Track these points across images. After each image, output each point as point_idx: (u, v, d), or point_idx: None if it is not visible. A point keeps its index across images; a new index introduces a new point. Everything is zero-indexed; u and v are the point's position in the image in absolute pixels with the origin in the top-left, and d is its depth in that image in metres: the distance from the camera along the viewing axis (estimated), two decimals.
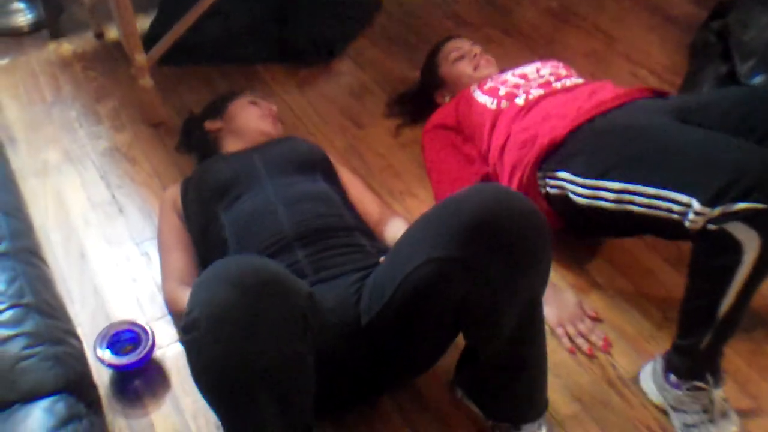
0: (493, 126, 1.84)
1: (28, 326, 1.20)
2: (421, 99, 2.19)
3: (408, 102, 2.23)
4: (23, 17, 2.71)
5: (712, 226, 1.27)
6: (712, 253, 1.30)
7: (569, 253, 1.76)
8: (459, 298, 1.17)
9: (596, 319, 1.62)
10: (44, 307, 1.26)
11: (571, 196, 1.55)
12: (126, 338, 1.55)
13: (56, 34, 2.67)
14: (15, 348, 1.17)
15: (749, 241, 1.24)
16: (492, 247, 1.12)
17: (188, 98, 2.32)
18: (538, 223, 1.15)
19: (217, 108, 1.93)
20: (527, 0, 2.83)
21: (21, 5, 2.72)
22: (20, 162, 2.09)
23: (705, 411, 1.36)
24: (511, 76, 1.92)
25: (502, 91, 1.86)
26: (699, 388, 1.36)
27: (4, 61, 2.57)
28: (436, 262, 1.14)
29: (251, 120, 1.86)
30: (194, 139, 1.97)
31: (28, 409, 1.11)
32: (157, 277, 1.71)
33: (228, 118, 1.88)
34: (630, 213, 1.43)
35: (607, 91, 1.73)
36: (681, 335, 1.38)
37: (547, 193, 1.64)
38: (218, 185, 1.63)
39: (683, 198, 1.32)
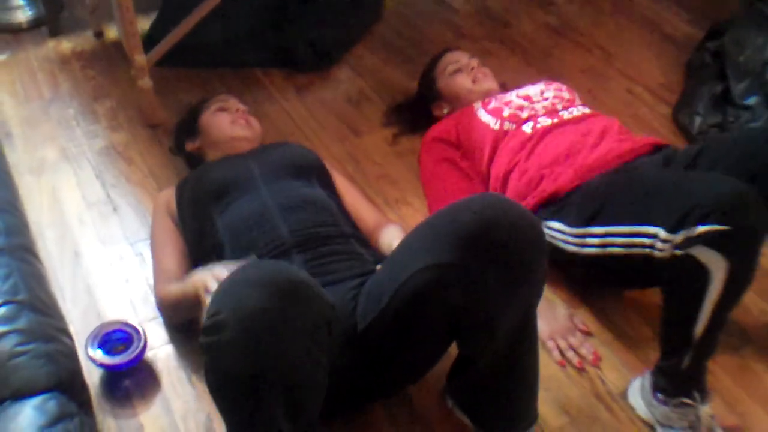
0: (494, 148, 1.85)
1: (21, 323, 1.20)
2: (418, 110, 2.20)
3: (405, 112, 2.24)
4: (23, 14, 2.71)
5: (678, 252, 1.28)
6: (680, 279, 1.33)
7: (561, 268, 1.76)
8: (455, 306, 1.18)
9: (587, 333, 1.63)
10: (38, 305, 1.26)
11: (561, 245, 1.60)
12: (117, 338, 1.55)
13: (56, 32, 2.67)
14: (7, 345, 1.17)
15: (715, 263, 1.26)
16: (489, 255, 1.13)
17: (186, 100, 2.31)
18: (535, 233, 1.17)
19: (190, 126, 1.91)
20: (526, 14, 2.85)
21: (21, 2, 2.71)
22: (16, 158, 2.08)
23: (692, 428, 1.37)
24: (515, 98, 1.93)
25: (506, 113, 1.87)
26: (686, 405, 1.37)
27: (2, 57, 2.56)
28: (434, 269, 1.15)
29: (224, 130, 1.84)
30: (183, 158, 1.98)
31: (19, 407, 1.10)
32: (151, 278, 1.70)
33: (203, 133, 1.87)
34: (613, 257, 1.47)
35: (612, 140, 1.73)
36: (662, 357, 1.41)
37: None
38: (214, 189, 1.63)
39: (651, 229, 1.36)
